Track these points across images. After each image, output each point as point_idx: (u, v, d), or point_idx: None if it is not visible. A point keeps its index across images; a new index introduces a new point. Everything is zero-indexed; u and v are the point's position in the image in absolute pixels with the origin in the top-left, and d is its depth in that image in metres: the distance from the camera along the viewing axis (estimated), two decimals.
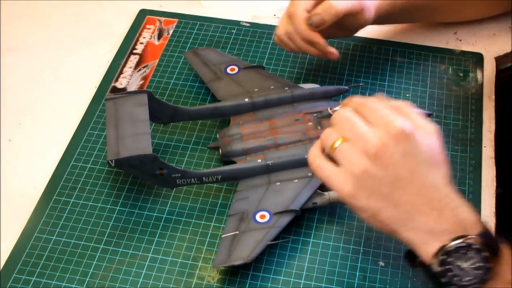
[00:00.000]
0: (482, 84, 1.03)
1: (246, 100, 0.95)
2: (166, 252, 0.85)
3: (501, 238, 0.68)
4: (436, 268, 0.66)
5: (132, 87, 1.03)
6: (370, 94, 1.00)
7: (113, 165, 0.84)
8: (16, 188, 0.93)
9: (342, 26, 0.96)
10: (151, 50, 1.08)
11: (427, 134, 0.69)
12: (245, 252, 0.81)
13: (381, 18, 1.00)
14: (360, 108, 0.70)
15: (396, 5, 1.00)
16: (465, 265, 0.66)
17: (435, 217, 0.67)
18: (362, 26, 0.98)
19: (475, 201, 0.89)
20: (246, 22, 1.12)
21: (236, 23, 1.12)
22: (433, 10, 1.05)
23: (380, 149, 0.67)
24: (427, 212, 0.67)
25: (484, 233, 0.66)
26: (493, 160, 0.94)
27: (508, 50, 1.06)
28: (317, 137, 0.89)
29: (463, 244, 0.65)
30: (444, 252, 0.66)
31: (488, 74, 1.04)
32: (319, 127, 0.91)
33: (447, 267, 0.66)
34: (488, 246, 0.66)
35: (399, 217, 0.68)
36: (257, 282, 0.82)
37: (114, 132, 0.87)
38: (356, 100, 0.72)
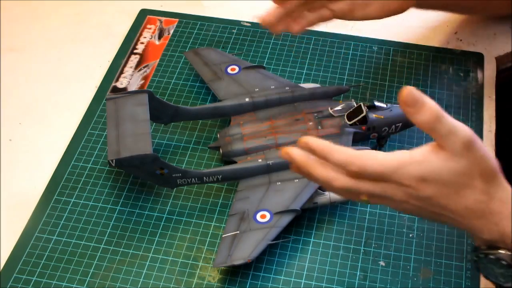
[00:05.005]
0: (482, 84, 1.03)
1: (247, 100, 0.95)
2: (166, 252, 0.85)
3: None
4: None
5: (133, 87, 1.03)
6: (370, 94, 1.01)
7: (113, 165, 0.84)
8: (17, 188, 0.93)
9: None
10: (152, 50, 1.08)
11: None
12: (245, 252, 0.81)
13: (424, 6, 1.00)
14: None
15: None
16: (497, 271, 0.68)
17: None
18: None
19: None
20: (246, 22, 1.12)
21: (237, 23, 1.12)
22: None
23: None
24: None
25: None
26: None
27: (509, 50, 1.06)
28: (317, 137, 0.90)
29: (493, 257, 0.68)
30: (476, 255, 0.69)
31: (488, 74, 1.04)
32: (319, 127, 0.91)
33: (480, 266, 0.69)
34: None
35: None
36: (257, 282, 0.82)
37: (114, 132, 0.87)
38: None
